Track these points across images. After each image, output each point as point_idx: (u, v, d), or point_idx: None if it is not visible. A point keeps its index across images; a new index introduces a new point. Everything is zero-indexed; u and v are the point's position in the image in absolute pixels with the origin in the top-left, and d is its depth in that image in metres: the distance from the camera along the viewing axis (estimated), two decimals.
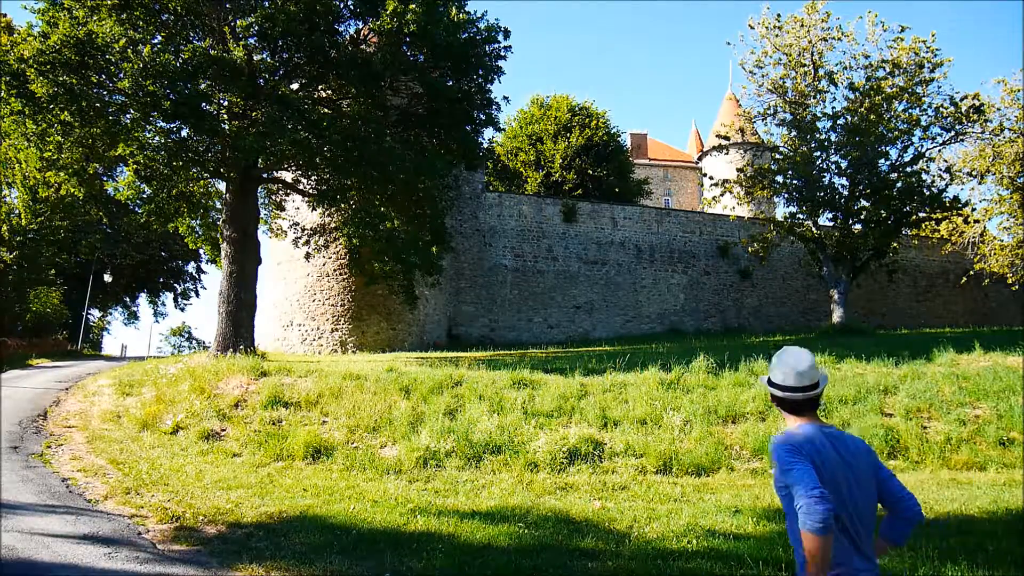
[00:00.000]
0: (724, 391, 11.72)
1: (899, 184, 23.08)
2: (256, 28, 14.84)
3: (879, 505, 2.78)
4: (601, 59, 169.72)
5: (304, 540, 6.13)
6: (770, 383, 2.90)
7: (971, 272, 30.51)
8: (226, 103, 16.00)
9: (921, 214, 23.89)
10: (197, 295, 45.93)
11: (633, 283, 30.79)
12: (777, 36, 23.76)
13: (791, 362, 2.81)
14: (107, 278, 35.45)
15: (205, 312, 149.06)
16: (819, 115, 23.90)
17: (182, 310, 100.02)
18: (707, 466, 9.36)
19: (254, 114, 15.46)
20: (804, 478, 2.55)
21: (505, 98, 24.06)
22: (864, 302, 33.18)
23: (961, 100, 22.81)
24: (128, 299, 44.99)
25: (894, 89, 22.67)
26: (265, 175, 18.63)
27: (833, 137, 23.50)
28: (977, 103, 22.96)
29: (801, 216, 24.18)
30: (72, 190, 17.14)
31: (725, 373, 12.71)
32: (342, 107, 18.01)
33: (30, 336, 29.73)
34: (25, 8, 15.80)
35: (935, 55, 22.61)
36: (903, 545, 2.90)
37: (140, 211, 20.19)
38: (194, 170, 17.51)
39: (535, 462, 9.34)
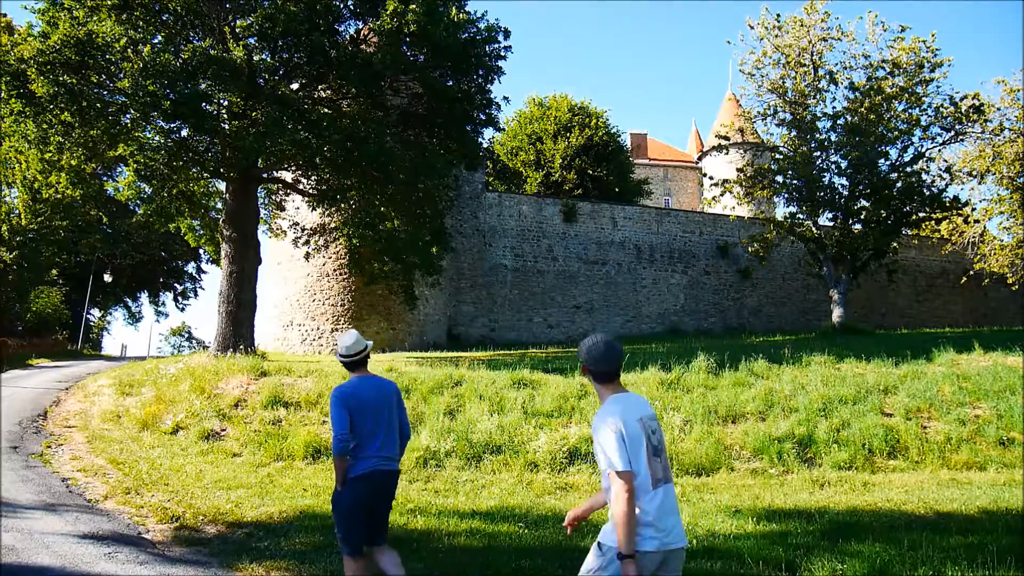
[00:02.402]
0: (724, 391, 11.73)
1: (899, 184, 23.07)
2: (256, 28, 14.83)
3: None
4: (601, 59, 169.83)
5: (304, 540, 6.13)
6: (339, 355, 4.55)
7: (971, 272, 30.49)
8: (226, 103, 16.00)
9: (921, 214, 23.88)
10: (197, 295, 45.95)
11: (633, 283, 30.78)
12: (777, 36, 23.74)
13: (344, 340, 4.54)
14: (107, 278, 35.46)
15: (205, 312, 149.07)
16: (819, 115, 23.90)
17: (182, 310, 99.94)
18: (707, 466, 9.36)
19: (254, 114, 15.47)
20: (337, 422, 4.28)
21: (505, 98, 24.07)
22: (864, 302, 33.17)
23: (961, 100, 22.80)
24: (128, 299, 44.98)
25: (894, 89, 22.65)
26: (265, 175, 18.63)
27: (833, 137, 23.50)
28: (977, 103, 22.94)
29: (801, 216, 24.16)
30: (71, 193, 17.13)
31: (725, 373, 12.71)
32: (342, 107, 18.01)
33: (30, 336, 29.75)
34: (25, 8, 15.83)
35: (935, 55, 22.60)
36: (401, 455, 4.61)
37: (140, 211, 20.21)
38: (194, 170, 17.52)
39: (535, 462, 9.34)
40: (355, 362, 4.51)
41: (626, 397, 3.28)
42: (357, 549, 4.27)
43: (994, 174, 25.97)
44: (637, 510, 3.03)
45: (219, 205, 20.97)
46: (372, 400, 4.38)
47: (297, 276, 24.10)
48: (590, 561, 3.20)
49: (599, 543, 3.19)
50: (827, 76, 23.49)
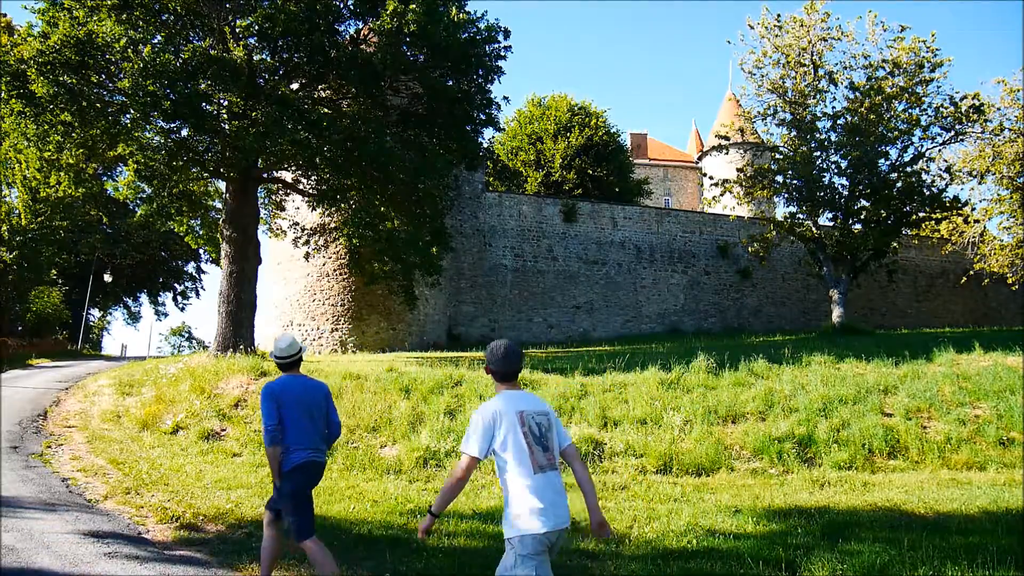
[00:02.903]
0: (724, 391, 11.72)
1: (899, 184, 23.05)
2: (256, 28, 14.83)
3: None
4: (601, 59, 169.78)
5: None
6: (274, 356, 4.94)
7: (971, 272, 30.47)
8: (226, 103, 16.01)
9: (921, 214, 23.85)
10: (197, 295, 45.96)
11: (633, 283, 30.78)
12: (777, 36, 23.71)
13: (279, 343, 4.92)
14: (107, 278, 35.45)
15: (205, 312, 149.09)
16: (819, 115, 23.87)
17: (182, 310, 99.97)
18: (707, 466, 9.36)
19: (254, 114, 15.47)
20: (267, 415, 4.64)
21: (505, 98, 24.12)
22: (864, 302, 33.16)
23: (961, 100, 22.78)
24: (128, 299, 44.98)
25: (894, 89, 22.63)
26: (265, 175, 18.63)
27: (833, 137, 23.47)
28: (977, 103, 22.92)
29: (801, 216, 24.15)
30: (71, 191, 17.15)
31: (725, 373, 12.71)
32: (342, 107, 18.01)
33: (30, 336, 29.76)
34: (25, 8, 15.86)
35: (935, 55, 22.57)
36: (330, 444, 5.10)
37: (139, 211, 20.23)
38: (194, 170, 17.53)
39: None
40: (288, 363, 4.94)
41: (514, 394, 3.63)
42: (312, 530, 4.70)
43: (994, 174, 25.95)
44: (526, 498, 3.38)
45: (219, 205, 20.96)
46: (301, 397, 4.78)
47: (297, 276, 24.10)
48: (504, 559, 3.42)
49: (506, 539, 3.43)
50: (827, 76, 23.48)
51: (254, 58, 15.72)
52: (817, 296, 32.17)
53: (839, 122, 23.27)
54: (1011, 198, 26.23)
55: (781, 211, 29.14)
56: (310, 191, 18.66)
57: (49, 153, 15.95)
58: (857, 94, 23.02)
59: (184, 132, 16.71)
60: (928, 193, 23.19)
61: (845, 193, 23.52)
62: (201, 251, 38.69)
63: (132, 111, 14.80)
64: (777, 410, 10.99)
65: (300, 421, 4.71)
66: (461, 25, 17.37)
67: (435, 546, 5.93)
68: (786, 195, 24.42)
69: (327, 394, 5.02)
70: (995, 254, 27.82)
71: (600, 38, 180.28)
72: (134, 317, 46.64)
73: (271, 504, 4.85)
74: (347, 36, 17.52)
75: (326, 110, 17.23)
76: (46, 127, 15.05)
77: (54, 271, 32.15)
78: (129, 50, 14.26)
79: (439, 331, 25.86)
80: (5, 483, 7.83)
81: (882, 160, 23.30)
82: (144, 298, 45.69)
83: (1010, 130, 25.13)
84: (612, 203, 32.32)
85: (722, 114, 48.91)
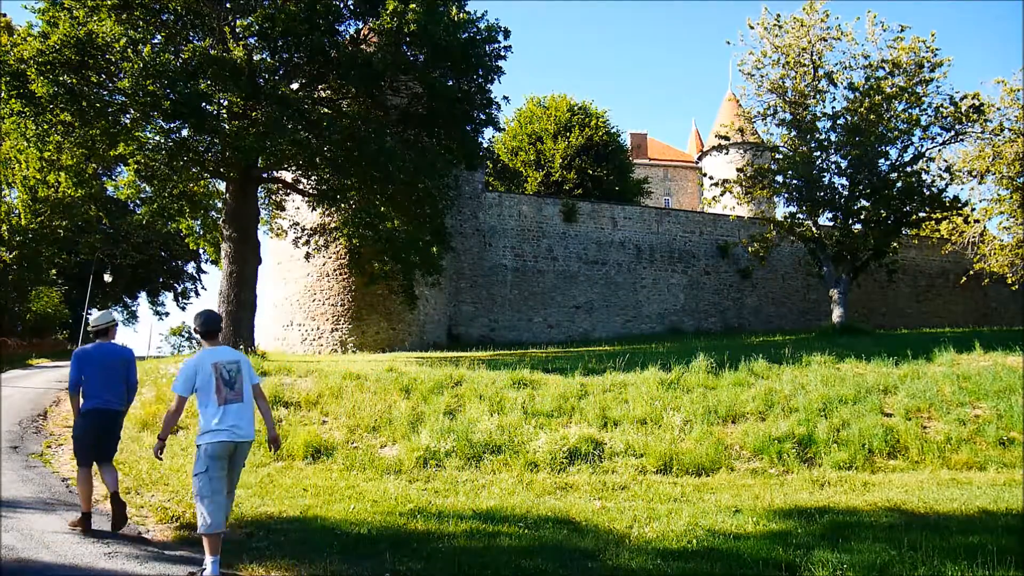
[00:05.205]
0: (724, 391, 11.72)
1: (899, 184, 23.05)
2: (256, 28, 14.83)
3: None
4: (601, 58, 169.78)
5: (304, 540, 6.13)
6: (91, 327, 6.45)
7: (971, 272, 30.47)
8: (226, 103, 16.00)
9: (921, 214, 23.86)
10: (197, 295, 45.97)
11: (633, 283, 30.78)
12: (776, 36, 23.72)
13: (94, 315, 6.56)
14: (107, 278, 35.44)
15: None
16: (819, 115, 23.88)
17: (183, 310, 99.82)
18: (707, 466, 9.35)
19: (254, 114, 15.46)
20: (71, 372, 6.27)
21: (505, 98, 24.12)
22: (864, 302, 33.16)
23: (961, 100, 22.78)
24: (128, 299, 44.98)
25: (894, 89, 22.63)
26: (265, 175, 18.63)
27: (833, 137, 23.48)
28: (977, 103, 22.92)
29: (801, 216, 24.15)
30: (70, 191, 17.16)
31: (725, 373, 12.71)
32: (342, 107, 18.01)
33: (30, 336, 29.76)
34: (25, 8, 15.83)
35: (935, 55, 22.58)
36: (131, 400, 6.61)
37: (140, 211, 20.24)
38: (194, 170, 17.53)
39: (535, 462, 9.34)
40: (97, 332, 6.48)
41: (213, 349, 5.24)
42: (86, 463, 6.26)
43: (994, 174, 25.95)
44: (212, 420, 5.01)
45: (219, 205, 20.97)
46: (99, 359, 6.29)
47: (297, 276, 24.10)
48: (195, 458, 5.04)
49: (196, 445, 5.04)
50: (827, 76, 23.48)
51: (254, 58, 15.72)
52: (817, 296, 32.18)
53: (839, 122, 23.27)
54: (1011, 198, 26.23)
55: (781, 211, 29.16)
56: (310, 191, 18.66)
57: (49, 153, 15.95)
58: (857, 94, 23.02)
59: (184, 132, 16.70)
60: (928, 193, 23.19)
61: (845, 193, 23.52)
62: (201, 251, 38.69)
63: (132, 111, 14.81)
64: (777, 410, 10.99)
65: (95, 377, 6.20)
66: (461, 25, 17.37)
67: (435, 546, 5.93)
68: (786, 195, 24.42)
69: (127, 359, 6.50)
70: (995, 254, 27.83)
71: (600, 38, 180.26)
72: (134, 317, 46.68)
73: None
74: (347, 36, 17.53)
75: (326, 110, 17.23)
76: (46, 127, 15.04)
77: (54, 271, 32.17)
78: (129, 50, 14.26)
79: (439, 331, 25.86)
80: (5, 483, 7.82)
81: (882, 160, 23.30)
82: (144, 298, 45.73)
83: (1010, 130, 25.14)
84: (612, 203, 32.32)
85: (722, 114, 48.92)
